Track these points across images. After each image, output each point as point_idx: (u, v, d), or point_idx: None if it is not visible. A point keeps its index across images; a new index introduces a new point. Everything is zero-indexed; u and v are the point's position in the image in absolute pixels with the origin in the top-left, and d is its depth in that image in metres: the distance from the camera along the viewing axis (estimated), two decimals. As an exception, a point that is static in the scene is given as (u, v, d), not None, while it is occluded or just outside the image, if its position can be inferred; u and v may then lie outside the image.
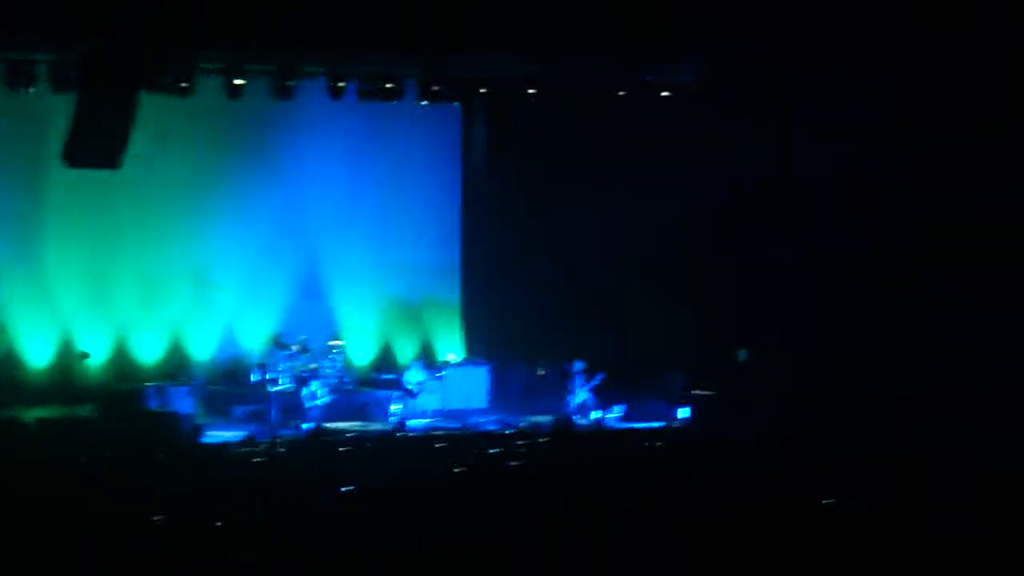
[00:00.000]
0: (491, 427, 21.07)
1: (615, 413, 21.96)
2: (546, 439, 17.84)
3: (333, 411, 21.95)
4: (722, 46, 21.08)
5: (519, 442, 17.29)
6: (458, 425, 21.07)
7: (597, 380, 22.08)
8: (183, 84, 20.86)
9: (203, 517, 11.97)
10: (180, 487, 13.67)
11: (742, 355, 22.58)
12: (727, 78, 21.90)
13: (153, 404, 21.00)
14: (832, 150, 21.13)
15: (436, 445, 17.41)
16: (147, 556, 10.84)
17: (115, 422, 19.64)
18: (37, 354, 22.79)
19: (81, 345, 22.67)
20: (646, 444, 17.54)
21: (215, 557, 10.79)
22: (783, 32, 20.29)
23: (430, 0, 19.82)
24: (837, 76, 20.93)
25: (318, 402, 21.76)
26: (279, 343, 22.44)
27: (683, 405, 22.04)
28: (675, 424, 21.56)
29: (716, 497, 12.96)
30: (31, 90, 20.86)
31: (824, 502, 12.60)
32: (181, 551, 10.99)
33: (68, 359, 22.69)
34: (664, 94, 22.71)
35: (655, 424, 21.38)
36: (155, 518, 11.62)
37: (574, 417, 21.59)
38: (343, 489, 13.20)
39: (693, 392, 22.11)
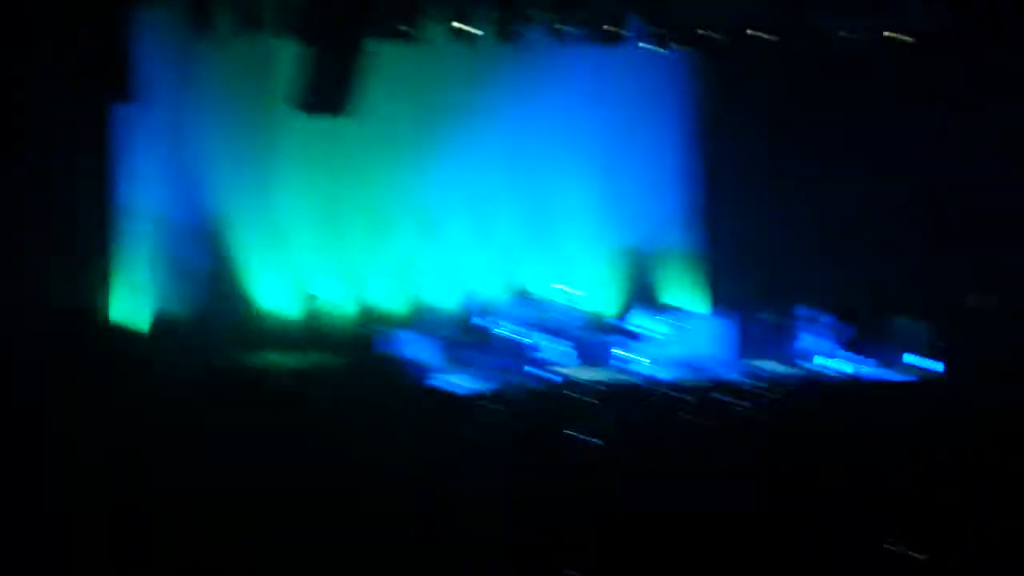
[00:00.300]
0: (735, 378, 20.53)
1: (864, 366, 21.45)
2: (794, 392, 17.58)
3: (568, 359, 21.79)
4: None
5: (766, 395, 17.05)
6: (701, 377, 20.64)
7: (847, 332, 21.77)
8: (409, 29, 20.87)
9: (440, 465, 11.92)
10: (418, 435, 13.64)
11: (990, 303, 21.70)
12: (974, 25, 21.29)
13: (390, 350, 21.05)
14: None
15: (677, 396, 17.12)
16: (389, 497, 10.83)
17: (358, 370, 19.68)
18: (274, 301, 22.92)
19: (316, 292, 22.80)
20: (901, 399, 17.09)
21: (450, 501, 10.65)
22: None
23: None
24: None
25: (554, 350, 21.65)
26: (517, 292, 22.44)
27: (935, 358, 21.39)
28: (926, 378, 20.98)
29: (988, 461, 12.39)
30: (258, 34, 20.87)
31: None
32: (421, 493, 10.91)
33: (307, 306, 22.82)
34: (906, 39, 22.01)
35: (907, 378, 21.00)
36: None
37: (823, 368, 21.27)
38: (586, 440, 13.06)
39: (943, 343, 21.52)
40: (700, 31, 22.11)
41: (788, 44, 22.12)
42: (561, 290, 23.02)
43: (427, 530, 10.35)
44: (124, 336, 21.43)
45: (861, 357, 21.54)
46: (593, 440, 12.93)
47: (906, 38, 22.04)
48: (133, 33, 19.97)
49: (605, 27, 21.78)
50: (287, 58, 20.37)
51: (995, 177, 21.87)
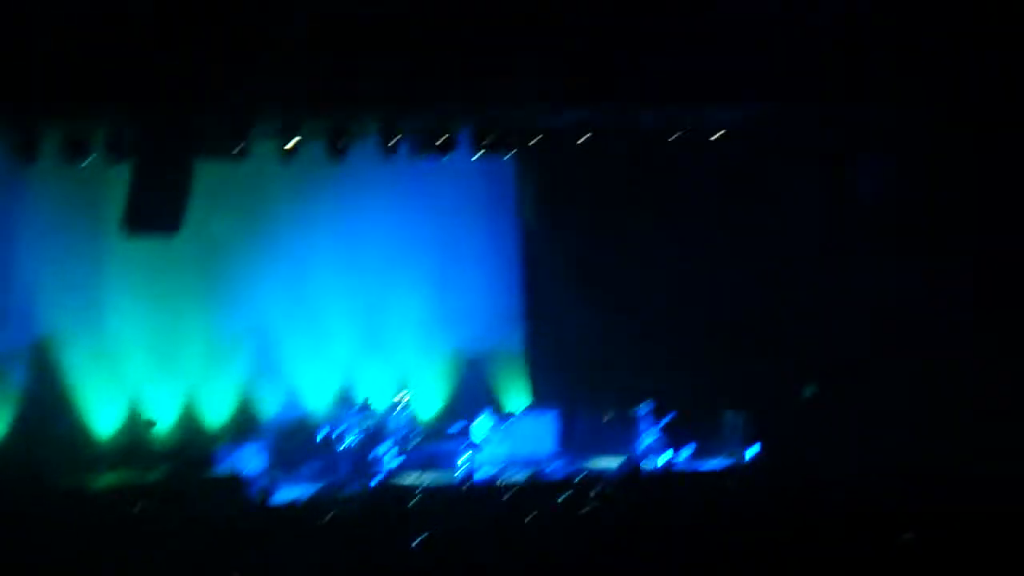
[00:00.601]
0: (560, 474, 20.94)
1: (684, 454, 21.82)
2: (616, 484, 17.80)
3: (401, 465, 21.93)
4: (774, 90, 20.99)
5: (589, 488, 17.26)
6: (527, 473, 20.83)
7: (665, 420, 22.02)
8: (237, 149, 20.79)
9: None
10: (251, 549, 13.71)
11: (809, 391, 22.34)
12: (781, 119, 21.68)
13: (222, 466, 21.06)
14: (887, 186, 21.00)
15: (504, 496, 17.34)
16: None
17: (184, 486, 19.67)
18: (105, 422, 22.90)
19: (149, 413, 22.80)
20: (717, 484, 17.45)
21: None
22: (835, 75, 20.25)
23: (481, 53, 19.81)
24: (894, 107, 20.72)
25: (386, 456, 21.76)
26: (345, 400, 22.65)
27: (750, 444, 21.91)
28: (744, 463, 21.48)
29: (790, 534, 12.90)
30: (86, 162, 20.89)
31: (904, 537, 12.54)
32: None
33: (136, 426, 22.75)
34: (716, 136, 22.50)
35: (724, 464, 21.44)
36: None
37: (643, 460, 21.48)
38: (415, 542, 13.20)
39: (759, 431, 22.01)
40: (528, 137, 22.23)
41: (606, 143, 22.32)
42: (395, 397, 23.04)
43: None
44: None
45: (680, 447, 21.81)
46: (422, 539, 13.08)
47: (718, 134, 22.35)
48: None
49: (434, 139, 21.76)
50: (115, 182, 20.24)
51: (807, 270, 22.50)
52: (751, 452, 21.83)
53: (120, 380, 22.99)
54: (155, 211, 19.89)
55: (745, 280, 22.99)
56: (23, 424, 22.27)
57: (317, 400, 23.76)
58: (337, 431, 22.06)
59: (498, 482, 20.23)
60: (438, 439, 23.19)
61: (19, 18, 18.24)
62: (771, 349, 22.36)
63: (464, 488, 19.83)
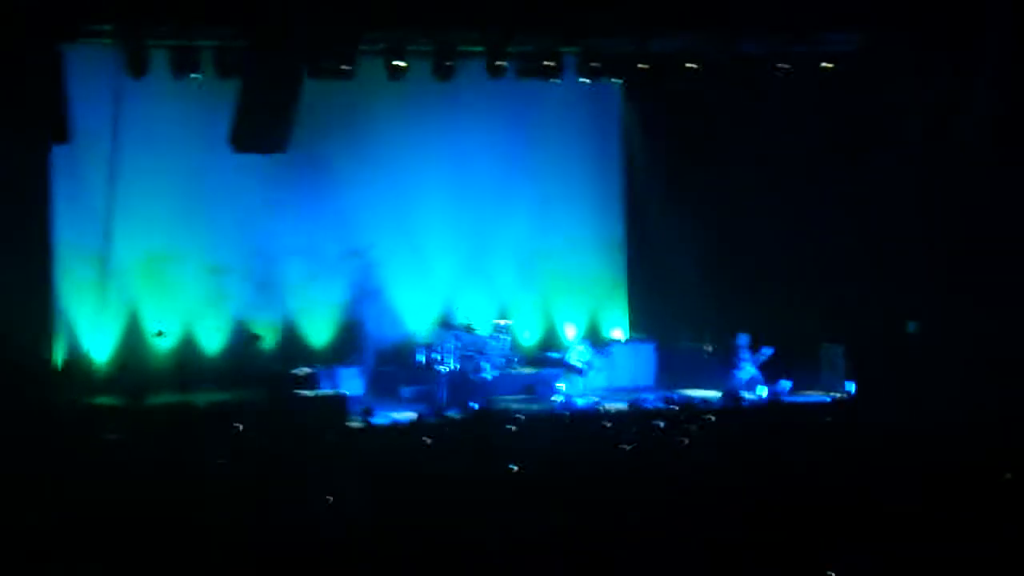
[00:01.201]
0: (658, 404, 20.93)
1: (783, 388, 21.69)
2: (715, 415, 17.80)
3: (500, 390, 22.02)
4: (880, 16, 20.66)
5: (688, 419, 17.28)
6: (625, 403, 20.84)
7: (765, 355, 21.94)
8: (345, 67, 20.72)
9: (373, 498, 12.12)
10: (351, 468, 13.84)
11: (912, 327, 22.09)
12: (887, 46, 21.44)
13: (323, 386, 21.20)
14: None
15: (604, 424, 17.36)
16: (317, 534, 11.03)
17: (285, 406, 19.84)
18: (210, 339, 23.13)
19: (254, 328, 22.96)
20: (815, 419, 17.38)
21: (384, 536, 10.92)
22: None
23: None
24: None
25: (486, 381, 21.86)
26: (446, 323, 22.80)
27: (850, 379, 21.74)
28: (843, 398, 21.30)
29: (884, 474, 12.83)
30: (196, 76, 20.98)
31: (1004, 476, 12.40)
32: (352, 529, 11.17)
33: (240, 342, 22.94)
34: (824, 65, 22.20)
35: (823, 398, 21.32)
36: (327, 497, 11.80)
37: (742, 392, 21.41)
38: (514, 467, 13.25)
39: (859, 366, 21.78)
40: (635, 62, 22.08)
41: (713, 71, 22.20)
42: (494, 322, 23.25)
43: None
44: (68, 371, 21.67)
45: (779, 380, 21.72)
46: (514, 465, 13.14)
47: (826, 64, 22.18)
48: (68, 76, 20.00)
49: (541, 63, 21.74)
50: (222, 99, 20.32)
51: (912, 208, 22.14)
52: (851, 387, 21.63)
53: (225, 297, 23.15)
54: (262, 129, 19.99)
55: (848, 213, 22.69)
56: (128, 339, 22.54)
57: (418, 323, 23.81)
58: (438, 354, 22.14)
59: (598, 410, 20.24)
60: (538, 365, 23.32)
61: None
62: (874, 284, 22.14)
63: (564, 415, 19.85)
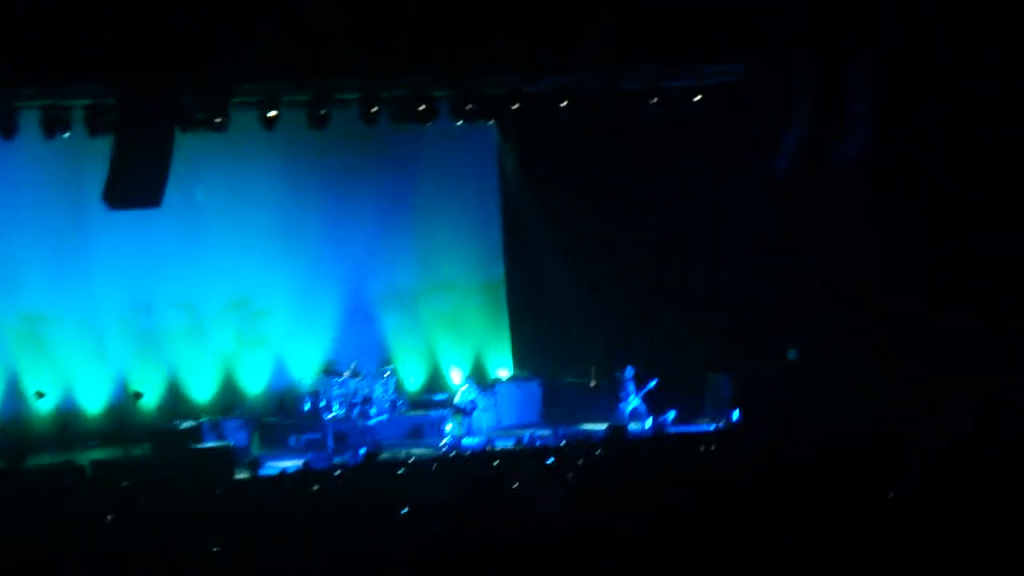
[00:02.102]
0: (546, 441, 21.05)
1: (667, 418, 21.88)
2: (601, 448, 17.90)
3: (388, 435, 22.07)
4: (752, 48, 20.93)
5: (575, 453, 17.36)
6: (512, 441, 21.00)
7: (649, 387, 22.10)
8: (218, 119, 20.69)
9: (264, 548, 12.10)
10: (240, 520, 13.80)
11: (792, 354, 22.41)
12: (757, 77, 21.66)
13: (208, 439, 21.06)
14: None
15: (493, 463, 17.42)
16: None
17: (171, 460, 19.70)
18: (91, 398, 22.92)
19: (134, 385, 22.68)
20: (700, 448, 17.54)
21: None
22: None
23: (459, 22, 19.76)
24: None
25: (372, 426, 21.89)
26: (330, 370, 22.79)
27: (733, 408, 22.00)
28: (726, 427, 21.51)
29: (769, 499, 13.02)
30: (67, 135, 20.85)
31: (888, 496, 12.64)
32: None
33: (122, 401, 22.73)
34: (696, 99, 22.51)
35: (707, 428, 21.49)
36: (215, 549, 11.76)
37: (628, 425, 21.55)
38: (402, 512, 13.27)
39: (742, 394, 22.08)
40: (508, 103, 22.01)
41: (584, 108, 22.18)
42: (379, 367, 23.28)
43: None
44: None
45: (664, 411, 21.90)
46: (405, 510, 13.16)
47: (697, 97, 22.27)
48: None
49: (419, 107, 21.68)
50: (98, 156, 19.89)
51: (788, 234, 22.27)
52: (734, 416, 21.89)
53: (104, 355, 22.95)
54: (136, 185, 19.79)
55: (726, 244, 22.92)
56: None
57: (302, 371, 23.73)
58: (324, 401, 22.16)
59: (486, 449, 20.33)
60: (425, 408, 23.37)
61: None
62: (754, 313, 22.39)
63: (451, 456, 19.90)
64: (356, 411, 21.97)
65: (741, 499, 13.18)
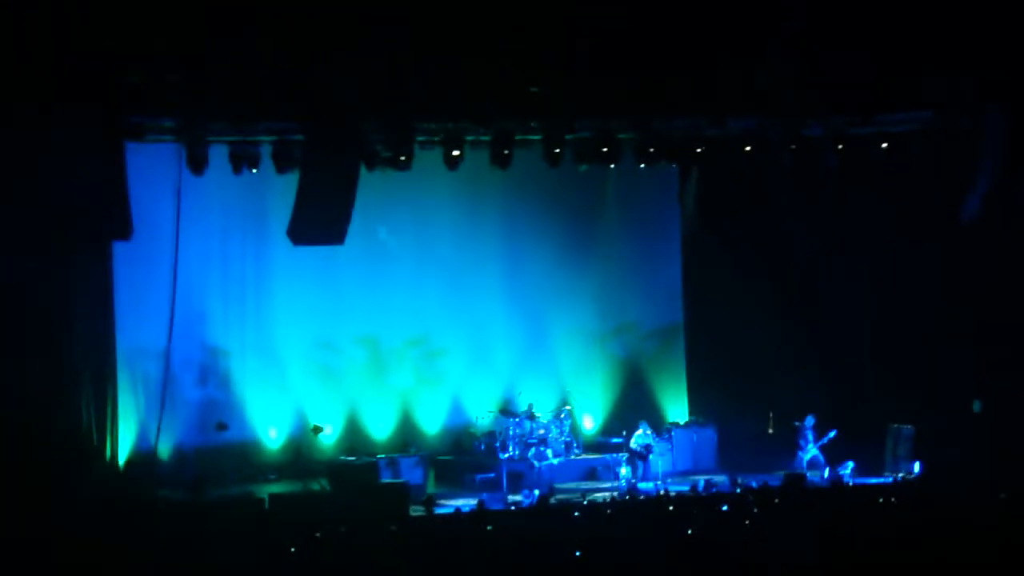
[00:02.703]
0: (722, 487, 20.80)
1: (846, 469, 21.49)
2: (778, 498, 17.69)
3: (563, 476, 22.05)
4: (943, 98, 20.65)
5: (751, 501, 17.19)
6: (687, 486, 20.85)
7: (829, 436, 21.80)
8: (402, 158, 20.86)
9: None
10: (414, 558, 13.86)
11: (977, 406, 21.91)
12: (947, 126, 21.29)
13: (385, 476, 21.19)
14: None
15: (668, 507, 17.31)
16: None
17: (348, 496, 19.86)
18: (272, 432, 23.17)
19: (314, 420, 22.85)
20: (880, 500, 17.24)
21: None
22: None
23: (645, 64, 19.78)
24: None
25: (547, 466, 21.88)
26: (507, 410, 22.82)
27: (915, 460, 21.61)
28: (909, 480, 21.13)
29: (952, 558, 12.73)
30: (254, 171, 21.20)
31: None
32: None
33: (302, 435, 22.93)
34: (883, 145, 22.14)
35: (886, 480, 21.19)
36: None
37: (806, 474, 21.24)
38: (576, 554, 13.24)
39: (926, 446, 21.63)
40: (691, 146, 21.90)
41: (769, 153, 21.96)
42: (555, 408, 23.33)
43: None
44: (129, 467, 21.70)
45: (842, 462, 21.46)
46: (582, 552, 13.12)
47: (884, 144, 21.86)
48: (129, 171, 19.90)
49: (602, 148, 21.56)
50: (281, 193, 20.45)
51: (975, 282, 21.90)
52: (916, 468, 21.46)
53: (286, 389, 23.22)
54: (320, 222, 20.07)
55: (912, 292, 22.56)
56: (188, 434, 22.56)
57: (480, 410, 23.74)
58: (499, 441, 22.24)
59: (659, 493, 20.18)
60: (600, 451, 23.29)
61: (192, 33, 18.58)
62: (941, 363, 21.96)
63: (627, 499, 19.79)
64: (531, 452, 21.96)
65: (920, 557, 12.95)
